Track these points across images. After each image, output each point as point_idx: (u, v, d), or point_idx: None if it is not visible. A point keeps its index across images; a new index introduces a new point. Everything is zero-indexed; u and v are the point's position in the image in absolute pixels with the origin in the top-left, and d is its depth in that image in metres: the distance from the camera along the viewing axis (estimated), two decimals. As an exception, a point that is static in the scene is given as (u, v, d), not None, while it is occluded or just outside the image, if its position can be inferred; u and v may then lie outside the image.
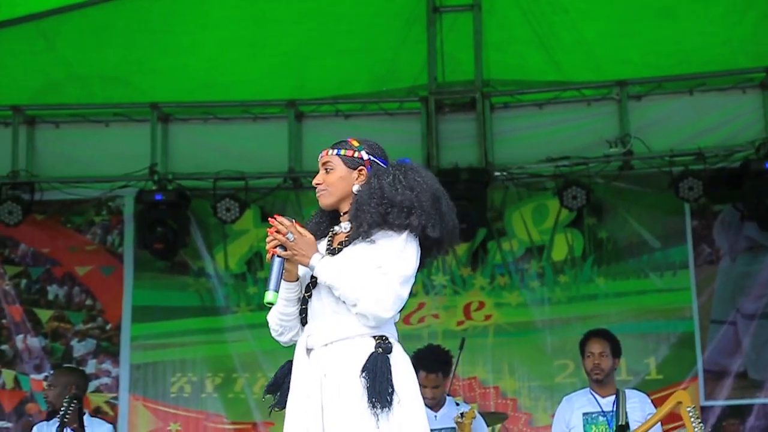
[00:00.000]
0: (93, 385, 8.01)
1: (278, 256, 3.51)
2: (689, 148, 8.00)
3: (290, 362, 3.66)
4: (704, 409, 7.81)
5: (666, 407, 5.66)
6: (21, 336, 8.37)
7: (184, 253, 8.38)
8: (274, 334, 3.70)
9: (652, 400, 6.14)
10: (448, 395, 6.48)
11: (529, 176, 8.34)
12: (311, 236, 3.58)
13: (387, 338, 3.56)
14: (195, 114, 8.48)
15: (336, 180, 3.67)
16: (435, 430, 6.26)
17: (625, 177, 8.27)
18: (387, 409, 3.43)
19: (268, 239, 3.55)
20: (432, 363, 6.34)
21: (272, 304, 3.50)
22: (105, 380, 8.30)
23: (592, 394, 6.09)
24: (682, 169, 7.92)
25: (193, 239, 8.43)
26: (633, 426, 5.86)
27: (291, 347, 3.70)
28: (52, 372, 7.21)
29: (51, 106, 8.33)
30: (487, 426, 6.56)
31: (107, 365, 8.34)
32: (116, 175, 8.27)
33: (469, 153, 8.16)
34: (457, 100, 8.30)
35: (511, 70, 8.38)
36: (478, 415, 6.31)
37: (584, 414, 6.04)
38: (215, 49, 8.24)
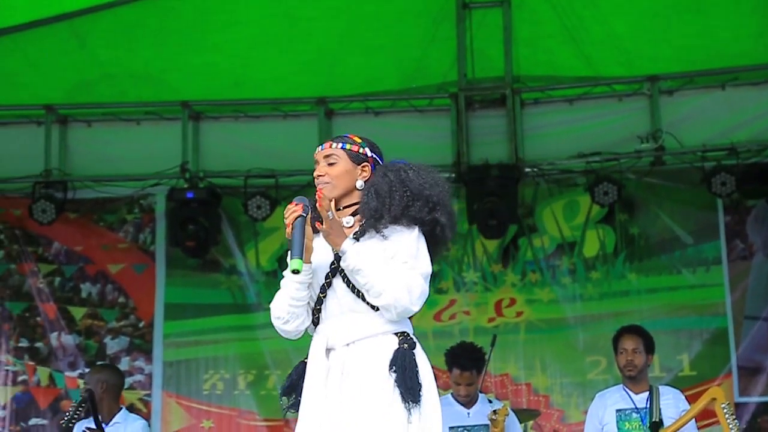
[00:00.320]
0: (126, 382, 8.03)
1: (300, 231, 3.44)
2: (722, 143, 7.95)
3: (304, 363, 3.61)
4: (738, 406, 7.76)
5: (700, 404, 5.63)
6: (55, 333, 8.44)
7: (216, 250, 8.42)
8: (278, 322, 3.58)
9: (685, 397, 6.11)
10: (480, 392, 6.48)
11: (559, 172, 8.31)
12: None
13: (408, 335, 3.54)
14: (225, 112, 8.51)
15: (341, 173, 3.63)
16: (468, 427, 6.27)
17: (656, 172, 8.22)
18: (417, 404, 3.42)
19: (286, 212, 3.50)
20: (466, 360, 6.34)
21: (298, 271, 3.43)
22: (138, 377, 8.35)
23: (625, 390, 6.07)
24: (714, 165, 7.87)
25: (225, 237, 8.46)
26: (667, 423, 5.83)
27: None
28: (86, 369, 7.27)
29: (83, 105, 8.39)
30: (520, 423, 6.55)
31: (140, 362, 8.40)
32: (148, 173, 8.32)
33: (499, 149, 8.14)
34: (487, 97, 8.28)
35: (541, 65, 8.35)
36: (511, 412, 6.29)
37: (618, 410, 6.01)
38: (245, 47, 8.26)
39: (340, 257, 3.50)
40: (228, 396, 8.33)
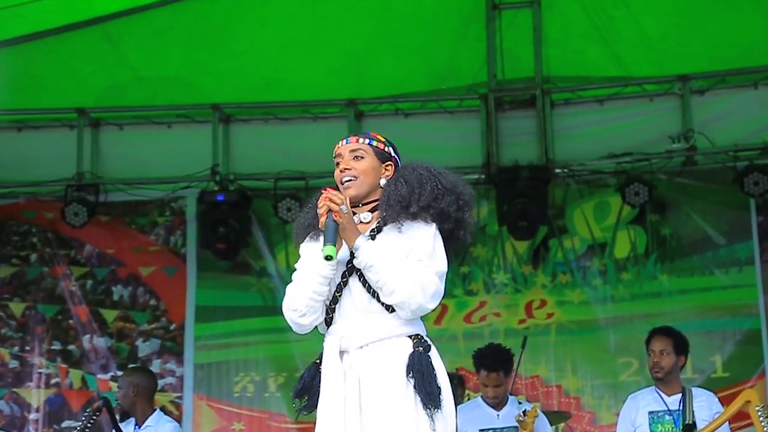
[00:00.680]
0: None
1: (333, 220, 3.42)
2: (754, 142, 7.90)
3: (315, 364, 3.57)
4: (772, 408, 7.68)
5: (734, 406, 5.58)
6: (87, 336, 8.49)
7: (246, 253, 8.44)
8: (294, 314, 3.52)
9: (719, 399, 6.06)
10: (510, 394, 6.46)
11: (590, 173, 8.28)
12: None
13: (422, 337, 3.49)
14: (256, 114, 8.53)
15: (368, 169, 3.57)
16: (498, 429, 6.26)
17: (688, 173, 8.17)
18: (438, 409, 3.37)
19: (319, 204, 3.46)
20: (493, 362, 6.33)
21: (332, 257, 3.37)
22: (169, 380, 8.38)
23: (657, 392, 6.02)
24: (746, 164, 7.81)
25: (255, 239, 8.49)
26: (700, 425, 5.78)
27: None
28: (118, 372, 7.30)
29: (115, 109, 8.44)
30: (551, 425, 6.53)
31: (171, 365, 8.43)
32: (179, 176, 8.35)
33: (529, 150, 8.11)
34: (517, 97, 8.26)
35: (571, 66, 8.32)
36: (540, 414, 6.27)
37: (650, 412, 5.96)
38: (275, 50, 8.29)
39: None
40: (259, 398, 8.35)
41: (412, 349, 3.43)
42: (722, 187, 8.10)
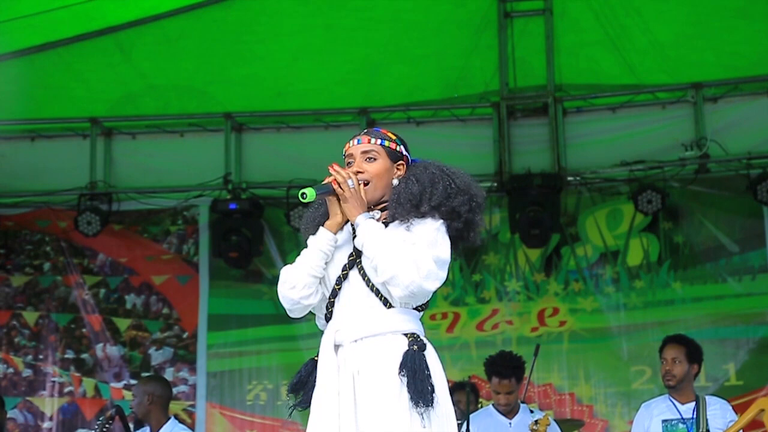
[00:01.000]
0: (171, 392, 8.11)
1: (332, 188, 3.41)
2: (767, 150, 7.87)
3: (313, 360, 3.53)
4: (786, 416, 7.65)
5: (748, 414, 5.55)
6: (101, 345, 8.51)
7: (259, 261, 8.45)
8: (285, 287, 3.50)
9: (733, 407, 6.03)
10: (522, 402, 6.44)
11: (602, 181, 8.28)
12: (364, 198, 3.48)
13: (418, 336, 3.43)
14: (268, 123, 8.55)
15: (381, 171, 3.51)
16: (510, 437, 6.23)
17: (701, 180, 8.16)
18: (430, 407, 3.31)
19: (336, 169, 3.43)
20: (504, 369, 6.31)
21: (306, 196, 3.34)
22: (182, 388, 8.40)
23: (671, 400, 5.99)
24: (760, 172, 7.79)
25: (267, 247, 8.50)
26: (714, 434, 5.76)
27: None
28: (131, 380, 7.30)
29: (128, 118, 8.47)
30: (564, 433, 6.51)
31: (184, 373, 8.44)
32: (191, 184, 8.38)
33: (541, 158, 8.12)
34: (529, 105, 8.27)
35: (583, 74, 8.32)
36: (552, 422, 6.25)
37: (663, 421, 5.94)
38: (287, 59, 8.31)
39: (360, 251, 3.43)
40: (271, 406, 8.36)
41: (407, 347, 3.38)
42: (735, 195, 8.08)
